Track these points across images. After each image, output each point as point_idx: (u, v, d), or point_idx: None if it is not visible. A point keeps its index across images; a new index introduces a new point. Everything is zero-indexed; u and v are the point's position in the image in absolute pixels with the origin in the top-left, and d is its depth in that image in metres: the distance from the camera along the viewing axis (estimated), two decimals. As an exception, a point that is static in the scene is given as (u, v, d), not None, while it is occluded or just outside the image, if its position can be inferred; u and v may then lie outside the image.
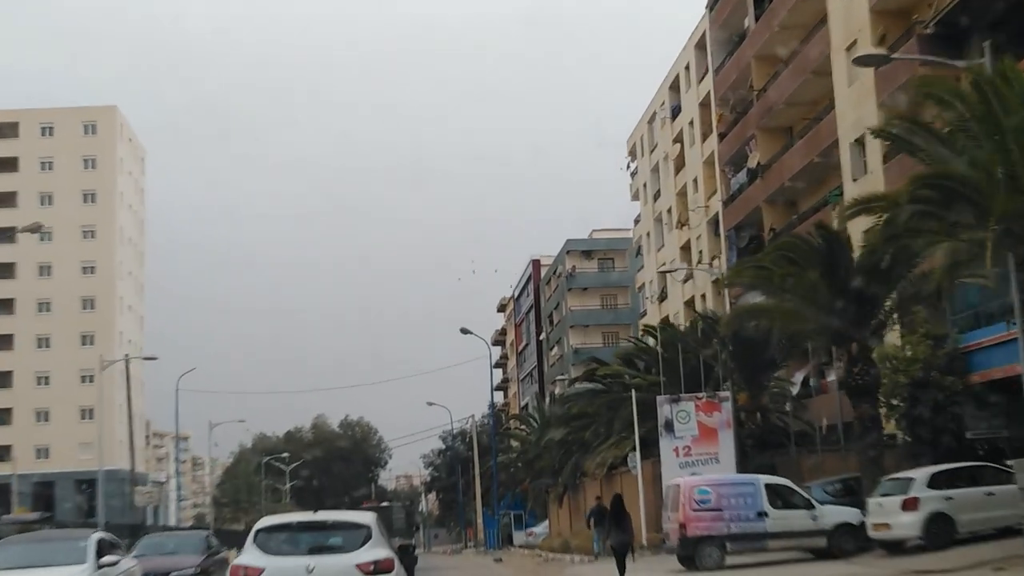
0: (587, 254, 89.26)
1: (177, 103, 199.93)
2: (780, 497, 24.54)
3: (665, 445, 33.87)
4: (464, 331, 56.92)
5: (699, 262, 59.02)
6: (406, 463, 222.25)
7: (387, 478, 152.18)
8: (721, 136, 55.40)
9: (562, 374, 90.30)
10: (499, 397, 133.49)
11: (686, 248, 62.19)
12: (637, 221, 74.31)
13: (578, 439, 45.59)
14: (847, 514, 24.45)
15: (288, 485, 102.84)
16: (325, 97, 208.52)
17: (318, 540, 13.10)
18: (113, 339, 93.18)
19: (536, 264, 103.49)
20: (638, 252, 73.92)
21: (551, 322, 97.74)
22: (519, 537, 66.83)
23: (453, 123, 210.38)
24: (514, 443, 79.65)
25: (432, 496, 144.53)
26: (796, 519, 24.16)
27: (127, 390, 63.72)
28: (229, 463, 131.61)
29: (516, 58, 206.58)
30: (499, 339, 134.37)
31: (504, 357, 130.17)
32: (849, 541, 23.99)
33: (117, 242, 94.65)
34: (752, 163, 50.83)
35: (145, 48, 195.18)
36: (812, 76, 44.23)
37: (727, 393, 33.78)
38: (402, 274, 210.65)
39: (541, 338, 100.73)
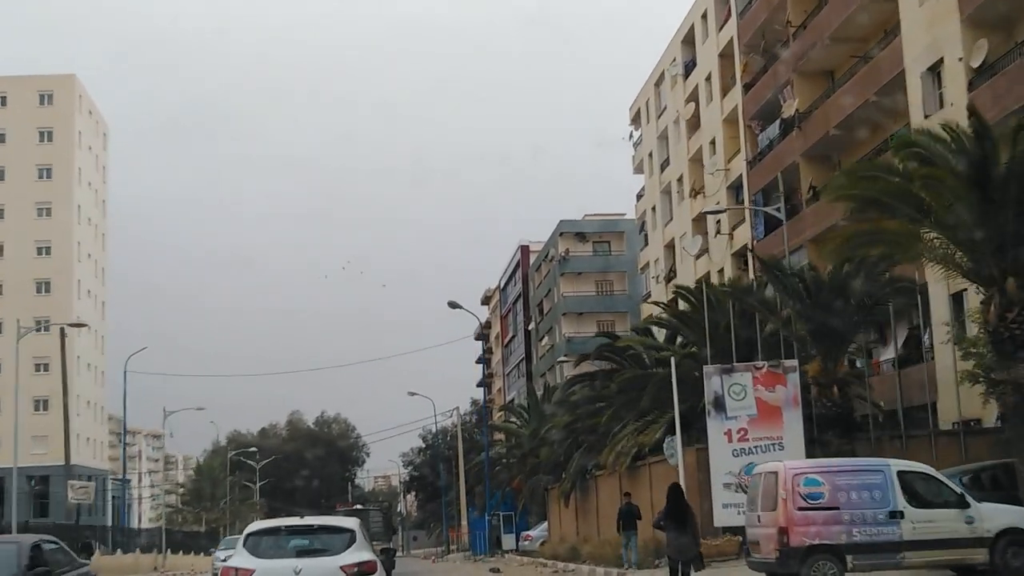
0: (581, 237, 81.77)
1: (177, 102, 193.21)
2: (919, 491, 17.10)
3: (714, 427, 26.45)
4: (452, 305, 49.40)
5: (717, 233, 51.73)
6: (385, 462, 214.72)
7: (365, 478, 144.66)
8: (747, 87, 48.17)
9: (552, 366, 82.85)
10: (482, 393, 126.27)
11: (700, 220, 54.80)
12: (640, 196, 66.99)
13: (589, 427, 38.13)
14: (1016, 516, 17.02)
15: (258, 484, 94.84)
16: (325, 96, 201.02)
17: (305, 543, 13.50)
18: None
19: (524, 250, 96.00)
20: (642, 228, 66.53)
21: (541, 311, 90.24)
22: (509, 541, 59.52)
23: (453, 123, 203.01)
24: (499, 436, 72.26)
25: (411, 497, 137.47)
26: (944, 522, 16.74)
27: (62, 370, 55.89)
28: (202, 461, 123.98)
29: (516, 57, 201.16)
30: (483, 333, 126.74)
31: (488, 351, 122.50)
32: (1020, 555, 16.56)
33: (75, 221, 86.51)
34: (787, 112, 43.57)
35: (145, 47, 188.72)
36: (868, 1, 37.04)
37: (794, 362, 26.35)
38: (402, 274, 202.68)
39: (530, 328, 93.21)
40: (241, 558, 13.38)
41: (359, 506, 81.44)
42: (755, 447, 26.05)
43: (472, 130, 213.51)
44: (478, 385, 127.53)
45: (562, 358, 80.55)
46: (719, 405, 26.42)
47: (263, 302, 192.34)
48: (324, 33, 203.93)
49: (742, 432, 26.19)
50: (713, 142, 52.65)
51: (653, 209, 62.98)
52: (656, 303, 49.97)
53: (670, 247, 60.25)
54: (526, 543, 48.97)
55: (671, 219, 59.89)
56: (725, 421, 26.34)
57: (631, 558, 29.15)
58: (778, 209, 39.32)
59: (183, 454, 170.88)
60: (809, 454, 25.51)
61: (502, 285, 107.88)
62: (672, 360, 27.69)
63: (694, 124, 55.53)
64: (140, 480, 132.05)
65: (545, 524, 48.74)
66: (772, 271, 27.94)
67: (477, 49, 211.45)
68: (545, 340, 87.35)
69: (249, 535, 13.85)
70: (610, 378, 36.91)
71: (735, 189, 50.64)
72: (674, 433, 28.21)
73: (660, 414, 31.42)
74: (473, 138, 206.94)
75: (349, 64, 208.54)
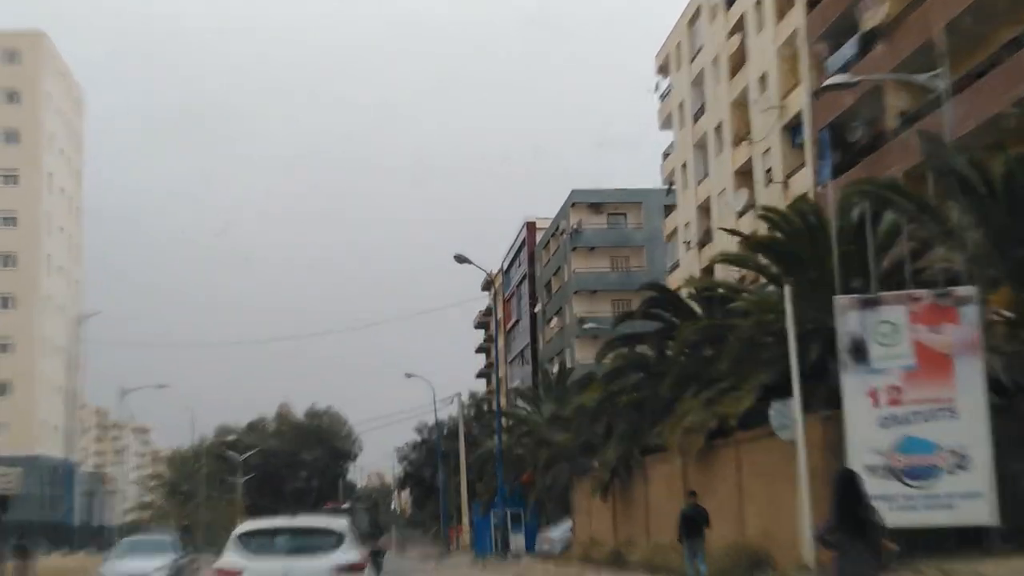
0: (595, 208, 73.16)
1: (177, 101, 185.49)
2: None
3: (852, 386, 18.05)
4: (460, 259, 40.73)
5: (769, 182, 43.30)
6: (379, 456, 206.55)
7: (358, 474, 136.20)
8: (811, 3, 39.74)
9: (562, 349, 74.41)
10: (482, 385, 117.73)
11: (744, 172, 46.44)
12: (667, 154, 58.55)
13: (633, 401, 29.59)
14: None
15: (241, 479, 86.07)
16: (325, 96, 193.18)
17: (295, 543, 13.26)
18: (37, 302, 76.49)
19: (530, 227, 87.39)
20: (669, 190, 58.04)
21: (549, 292, 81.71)
22: (517, 542, 51.21)
23: (453, 122, 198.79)
24: (504, 423, 63.62)
25: (406, 493, 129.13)
26: None
27: None
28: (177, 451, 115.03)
29: (517, 57, 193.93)
30: (483, 320, 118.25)
31: (489, 339, 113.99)
32: None
33: (44, 190, 77.85)
34: (871, 22, 35.15)
35: (144, 45, 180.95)
36: None
37: (971, 289, 17.86)
38: (402, 274, 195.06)
39: (536, 310, 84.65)
40: (232, 557, 13.13)
41: (345, 505, 73.25)
42: (914, 414, 17.65)
43: (472, 130, 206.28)
44: (478, 376, 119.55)
45: (573, 341, 72.40)
46: (859, 353, 18.02)
47: (263, 301, 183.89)
48: (323, 32, 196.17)
49: (894, 392, 17.77)
50: (763, 78, 44.23)
51: (683, 167, 54.55)
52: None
53: (704, 208, 51.84)
54: (547, 546, 40.45)
55: (706, 175, 51.48)
56: (868, 376, 17.94)
57: (700, 571, 20.92)
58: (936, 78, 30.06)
59: (172, 448, 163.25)
60: (996, 426, 17.21)
61: (505, 267, 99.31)
62: (786, 289, 19.14)
63: (738, 60, 47.09)
64: (106, 474, 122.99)
65: (567, 523, 40.24)
66: (935, 152, 19.38)
67: (477, 48, 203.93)
68: (554, 322, 78.85)
69: (241, 534, 13.57)
70: (667, 336, 28.38)
71: (792, 130, 42.29)
72: (783, 395, 19.74)
73: (740, 379, 22.93)
74: (473, 138, 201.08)
75: (349, 63, 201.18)
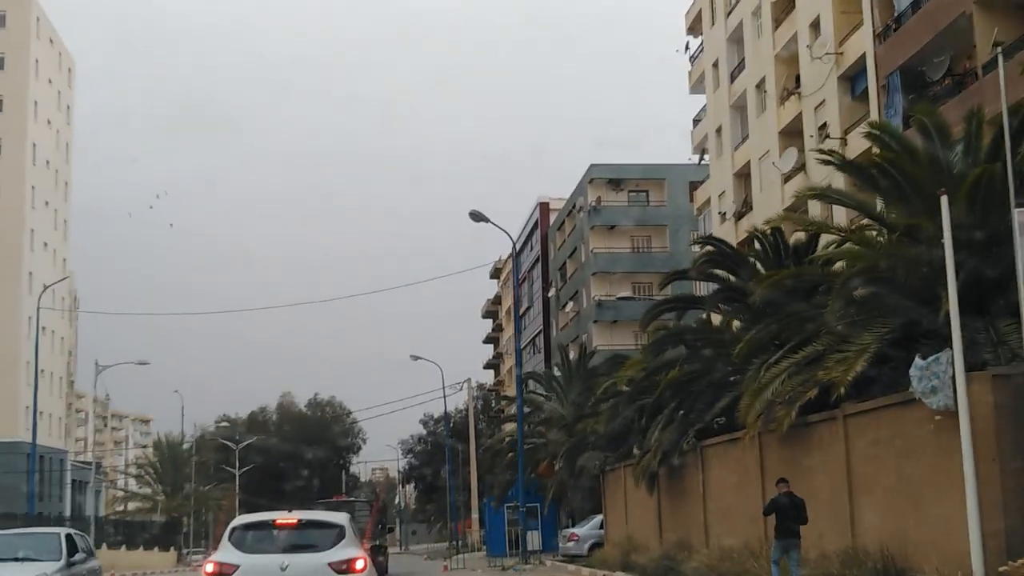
0: (615, 184, 67.98)
1: (176, 100, 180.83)
2: None
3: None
4: (476, 216, 35.47)
5: (825, 138, 38.16)
6: (382, 448, 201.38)
7: (361, 467, 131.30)
8: (876, -68, 34.67)
9: (577, 336, 69.33)
10: (489, 376, 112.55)
11: (792, 131, 41.34)
12: (697, 121, 53.49)
13: (689, 376, 24.51)
14: None
15: (239, 469, 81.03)
16: (323, 94, 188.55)
17: (292, 538, 12.66)
18: (19, 280, 71.59)
19: (544, 208, 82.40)
20: (701, 158, 52.94)
21: (563, 275, 76.66)
22: (534, 540, 46.41)
23: (454, 122, 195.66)
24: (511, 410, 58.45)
25: (410, 488, 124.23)
26: None
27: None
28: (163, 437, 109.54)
29: (517, 57, 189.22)
30: (491, 309, 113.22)
31: (498, 328, 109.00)
32: None
33: (28, 161, 72.77)
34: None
35: (143, 45, 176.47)
36: None
37: None
38: (403, 274, 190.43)
39: (550, 295, 79.54)
40: (225, 553, 12.41)
41: (347, 498, 68.39)
42: None
43: (473, 129, 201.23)
44: (485, 367, 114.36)
45: (591, 326, 67.38)
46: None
47: (263, 300, 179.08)
48: (324, 32, 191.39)
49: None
50: (816, 23, 39.12)
51: (718, 132, 49.44)
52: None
53: (743, 175, 46.76)
54: (570, 544, 35.35)
55: (744, 138, 46.42)
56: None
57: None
58: None
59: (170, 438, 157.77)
60: None
61: (516, 251, 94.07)
62: (943, 201, 14.00)
63: (784, 7, 42.02)
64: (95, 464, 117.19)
65: (598, 520, 35.17)
66: None
67: (477, 47, 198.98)
68: (569, 306, 73.78)
69: (235, 529, 12.88)
70: (730, 299, 23.35)
71: (850, 79, 37.19)
72: (904, 354, 14.67)
73: (841, 339, 17.77)
74: (474, 137, 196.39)
75: (349, 62, 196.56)
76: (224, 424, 67.58)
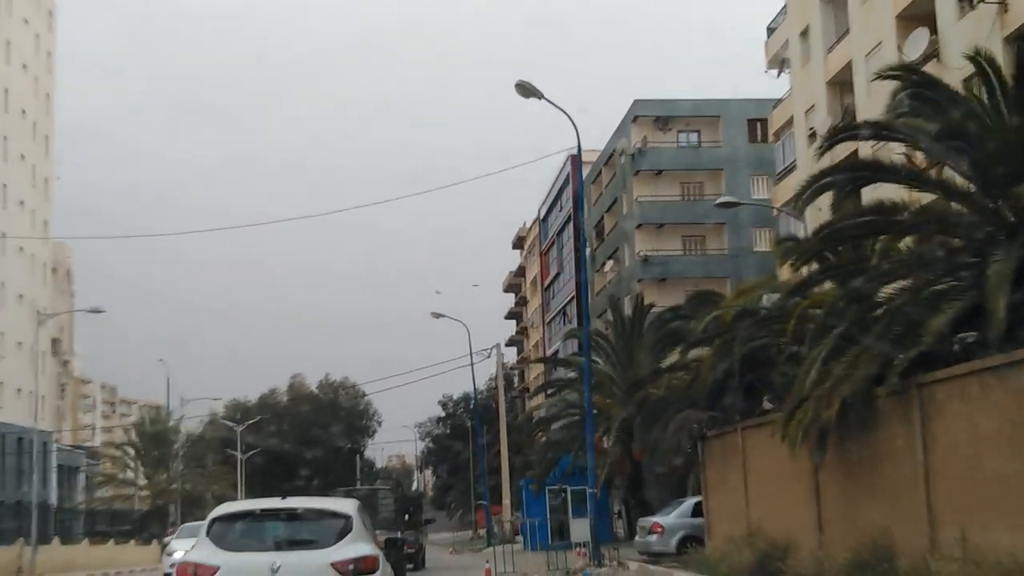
0: (663, 123, 58.49)
1: (175, 100, 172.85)
2: None
3: None
4: (525, 89, 25.90)
5: (973, 5, 28.71)
6: (397, 431, 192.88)
7: (378, 456, 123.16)
8: None
9: (620, 299, 59.80)
10: (511, 355, 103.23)
11: (912, 15, 31.94)
12: (772, 29, 44.19)
13: (902, 268, 15.11)
14: None
15: (241, 454, 72.12)
16: (325, 96, 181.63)
17: (286, 532, 10.21)
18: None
19: (575, 162, 72.30)
20: (780, 71, 43.52)
21: (600, 234, 67.37)
22: (580, 529, 37.65)
23: (454, 122, 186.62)
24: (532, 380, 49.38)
25: (428, 473, 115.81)
26: None
27: None
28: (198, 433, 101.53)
29: (517, 56, 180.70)
30: (514, 282, 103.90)
31: (522, 301, 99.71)
32: None
33: (1, 109, 63.82)
34: None
35: (142, 44, 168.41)
36: None
37: None
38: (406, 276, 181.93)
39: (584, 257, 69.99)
40: (203, 551, 10.01)
41: (362, 486, 60.01)
42: None
43: (473, 130, 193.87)
44: (507, 344, 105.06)
45: (635, 286, 57.99)
46: None
47: (264, 299, 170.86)
48: (323, 31, 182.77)
49: None
50: None
51: (803, 34, 40.06)
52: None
53: (839, 83, 37.43)
54: (652, 538, 25.99)
55: (842, 35, 37.04)
56: None
57: None
58: None
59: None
60: None
61: (542, 215, 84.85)
62: None
63: None
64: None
65: (688, 506, 25.86)
66: None
67: (477, 47, 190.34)
68: (608, 266, 64.49)
69: (215, 520, 10.35)
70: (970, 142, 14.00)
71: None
72: None
73: None
74: (474, 138, 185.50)
75: (348, 62, 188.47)
76: (216, 398, 58.65)
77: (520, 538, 48.10)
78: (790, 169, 41.59)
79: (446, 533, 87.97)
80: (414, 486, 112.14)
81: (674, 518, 25.56)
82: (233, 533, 10.18)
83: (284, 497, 10.80)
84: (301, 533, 10.24)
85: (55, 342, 77.39)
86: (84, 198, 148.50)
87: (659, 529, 25.35)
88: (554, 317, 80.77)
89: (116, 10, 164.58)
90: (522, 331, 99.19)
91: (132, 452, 56.90)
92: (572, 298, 72.80)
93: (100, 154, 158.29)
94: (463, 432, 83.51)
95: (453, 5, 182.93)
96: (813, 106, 39.25)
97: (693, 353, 25.44)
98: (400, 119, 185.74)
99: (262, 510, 10.58)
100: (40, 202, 70.14)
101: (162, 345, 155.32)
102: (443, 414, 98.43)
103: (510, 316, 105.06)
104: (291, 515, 10.40)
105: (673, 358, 31.58)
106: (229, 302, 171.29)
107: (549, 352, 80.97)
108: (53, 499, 69.66)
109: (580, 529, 39.25)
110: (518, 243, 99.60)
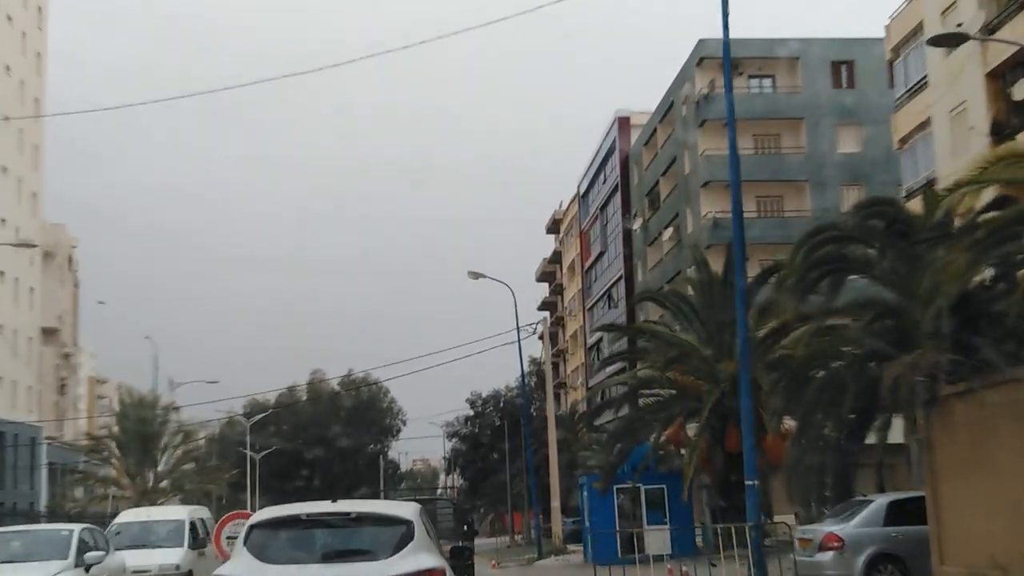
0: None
1: (174, 99, 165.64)
2: None
3: None
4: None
5: None
6: (423, 430, 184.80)
7: (403, 459, 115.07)
8: None
9: (679, 272, 51.04)
10: (536, 350, 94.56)
11: None
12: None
13: None
14: None
15: (249, 453, 63.84)
16: (325, 95, 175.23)
17: (336, 541, 8.57)
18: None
19: (623, 124, 64.38)
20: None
21: (653, 203, 58.80)
22: (657, 540, 29.66)
23: (457, 123, 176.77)
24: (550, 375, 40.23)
25: (455, 476, 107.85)
26: None
27: None
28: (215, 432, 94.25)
29: (517, 57, 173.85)
30: (548, 270, 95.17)
31: (557, 289, 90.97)
32: None
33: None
34: None
35: (141, 44, 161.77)
36: None
37: None
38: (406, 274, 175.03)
39: (635, 228, 61.50)
40: (240, 563, 8.40)
41: (431, 496, 54.41)
42: None
43: (473, 130, 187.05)
44: (540, 338, 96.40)
45: (703, 254, 49.26)
46: None
47: (265, 299, 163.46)
48: (323, 31, 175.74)
49: None
50: None
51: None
52: None
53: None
54: (824, 557, 17.18)
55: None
56: None
57: None
58: None
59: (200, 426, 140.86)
60: None
61: (582, 191, 76.26)
62: None
63: None
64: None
65: (874, 511, 17.08)
66: None
67: (476, 46, 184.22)
68: (666, 235, 55.83)
69: (253, 527, 8.74)
70: None
71: None
72: None
73: None
74: (474, 138, 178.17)
75: (348, 62, 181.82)
76: (214, 381, 50.57)
77: (572, 548, 39.65)
78: (917, 89, 32.99)
79: (477, 540, 79.34)
80: (438, 491, 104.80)
81: (858, 527, 16.74)
82: (275, 542, 8.56)
83: (334, 500, 9.40)
84: (354, 542, 8.58)
85: (50, 331, 69.41)
86: (84, 198, 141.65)
87: (836, 543, 16.49)
88: (596, 302, 72.17)
89: (117, 10, 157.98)
90: (557, 322, 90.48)
91: (113, 445, 48.50)
92: (620, 277, 64.16)
93: (100, 154, 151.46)
94: (494, 432, 75.33)
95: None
96: (954, 2, 30.63)
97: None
98: (399, 118, 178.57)
99: (308, 515, 8.83)
100: (27, 171, 62.19)
101: (181, 344, 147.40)
102: (471, 413, 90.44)
103: (543, 307, 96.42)
104: (343, 521, 8.71)
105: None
106: (244, 297, 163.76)
107: (590, 342, 72.46)
108: (43, 501, 61.75)
109: (658, 540, 31.26)
110: (553, 227, 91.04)
